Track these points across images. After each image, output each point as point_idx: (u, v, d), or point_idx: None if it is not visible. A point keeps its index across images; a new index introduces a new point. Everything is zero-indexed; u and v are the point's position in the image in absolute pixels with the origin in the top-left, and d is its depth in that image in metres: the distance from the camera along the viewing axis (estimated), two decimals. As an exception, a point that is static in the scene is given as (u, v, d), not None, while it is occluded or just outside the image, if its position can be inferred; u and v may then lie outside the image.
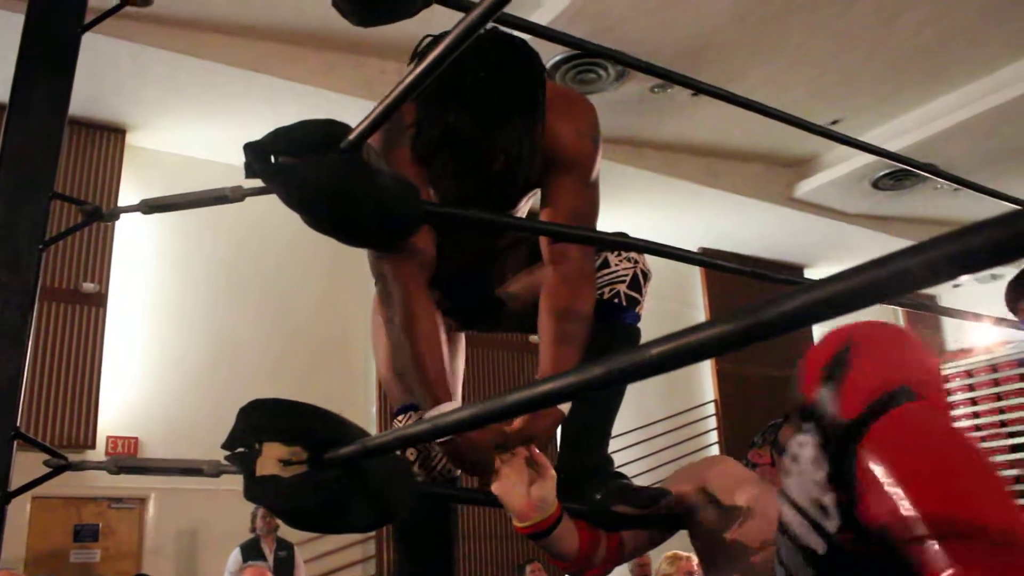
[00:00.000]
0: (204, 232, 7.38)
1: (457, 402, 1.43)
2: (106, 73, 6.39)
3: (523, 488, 1.26)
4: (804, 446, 0.83)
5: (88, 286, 6.87)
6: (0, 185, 1.06)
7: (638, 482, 1.65)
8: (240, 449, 0.84)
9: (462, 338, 1.87)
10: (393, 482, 0.88)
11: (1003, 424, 9.85)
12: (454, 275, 1.66)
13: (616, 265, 1.62)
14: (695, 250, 10.53)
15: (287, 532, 6.11)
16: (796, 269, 11.32)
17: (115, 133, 7.31)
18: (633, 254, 1.65)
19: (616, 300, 1.61)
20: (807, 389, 0.86)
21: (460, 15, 0.91)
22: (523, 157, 1.45)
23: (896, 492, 0.75)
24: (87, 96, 6.65)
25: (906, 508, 0.74)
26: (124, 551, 6.92)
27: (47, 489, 4.75)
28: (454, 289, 1.71)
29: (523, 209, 1.73)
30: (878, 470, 0.77)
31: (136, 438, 7.06)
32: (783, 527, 0.85)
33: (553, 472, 1.30)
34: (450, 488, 1.55)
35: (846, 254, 10.76)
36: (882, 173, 8.98)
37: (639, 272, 1.63)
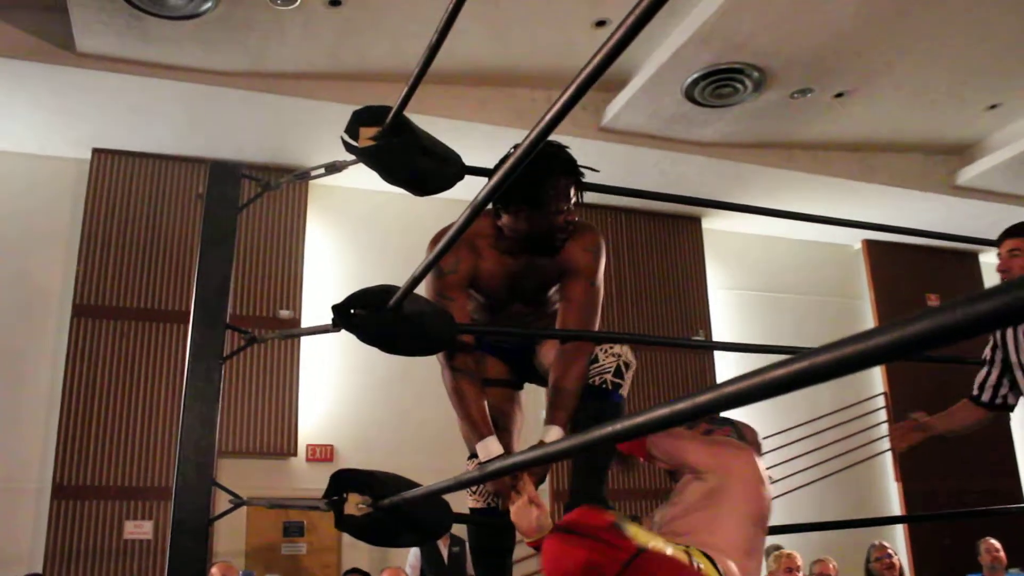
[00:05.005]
0: (383, 258, 8.12)
1: (502, 449, 2.02)
2: (287, 125, 7.27)
3: (528, 517, 1.76)
4: None
5: (284, 313, 7.83)
6: (194, 322, 1.63)
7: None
8: (334, 498, 1.37)
9: (521, 395, 2.44)
10: (431, 515, 1.39)
11: None
12: (511, 351, 2.29)
13: (603, 360, 2.18)
14: (858, 244, 10.53)
15: (460, 529, 6.72)
16: (970, 255, 11.01)
17: (300, 175, 8.26)
18: (616, 349, 2.20)
19: (604, 386, 2.16)
20: None
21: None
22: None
23: None
24: (273, 146, 7.58)
25: None
26: (326, 545, 7.71)
27: (260, 493, 5.53)
28: (512, 360, 2.33)
29: (554, 298, 2.31)
30: None
31: (332, 445, 7.92)
32: None
33: (547, 507, 1.80)
34: (476, 517, 2.06)
35: (1024, 237, 10.36)
36: (1052, 153, 8.66)
37: (621, 363, 2.18)
